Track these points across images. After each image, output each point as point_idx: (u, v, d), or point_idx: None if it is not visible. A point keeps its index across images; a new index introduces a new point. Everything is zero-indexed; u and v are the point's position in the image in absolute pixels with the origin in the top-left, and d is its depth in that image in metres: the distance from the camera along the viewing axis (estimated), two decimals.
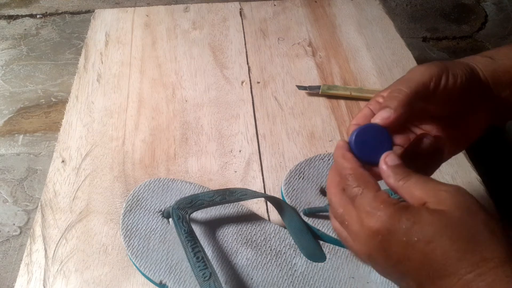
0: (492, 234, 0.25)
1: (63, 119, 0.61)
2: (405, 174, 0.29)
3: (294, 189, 0.48)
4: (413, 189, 0.28)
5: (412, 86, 0.32)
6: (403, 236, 0.26)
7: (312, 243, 0.44)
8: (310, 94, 0.65)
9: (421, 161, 0.34)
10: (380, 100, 0.35)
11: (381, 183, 0.30)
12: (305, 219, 0.46)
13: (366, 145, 0.31)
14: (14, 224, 0.86)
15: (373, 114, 0.34)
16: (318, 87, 0.64)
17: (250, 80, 0.67)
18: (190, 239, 0.40)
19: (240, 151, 0.57)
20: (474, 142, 0.37)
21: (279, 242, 0.45)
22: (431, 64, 0.34)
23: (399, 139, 0.36)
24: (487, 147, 0.95)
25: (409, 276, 0.27)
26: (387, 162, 0.30)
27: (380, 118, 0.32)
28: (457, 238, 0.25)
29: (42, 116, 1.06)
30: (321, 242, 0.45)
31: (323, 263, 0.43)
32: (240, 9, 0.80)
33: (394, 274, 0.28)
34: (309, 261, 0.44)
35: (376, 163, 0.31)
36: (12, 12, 1.38)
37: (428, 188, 0.28)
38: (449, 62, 0.35)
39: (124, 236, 0.43)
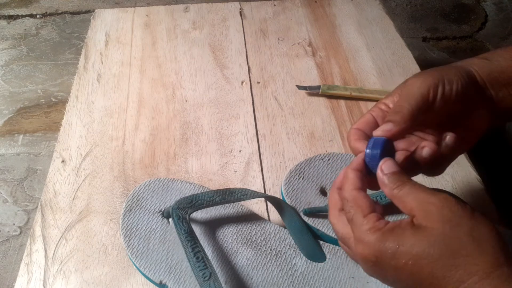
0: (477, 246, 0.25)
1: (63, 119, 0.61)
2: (399, 182, 0.30)
3: (294, 189, 0.48)
4: (405, 199, 0.29)
5: (412, 103, 0.33)
6: (390, 260, 0.27)
7: (312, 243, 0.44)
8: (310, 94, 0.65)
9: (422, 168, 0.35)
10: (383, 107, 0.36)
11: None
12: (305, 219, 0.46)
13: (376, 158, 0.32)
14: (14, 224, 0.86)
15: (375, 120, 0.35)
16: (318, 87, 0.64)
17: (250, 80, 0.67)
18: (190, 239, 0.40)
19: (240, 151, 0.57)
20: (471, 147, 0.38)
21: (279, 242, 0.45)
22: (426, 74, 0.35)
23: (402, 144, 0.37)
24: (487, 147, 0.95)
25: None
26: (383, 169, 0.31)
27: (382, 130, 0.33)
28: (439, 256, 0.25)
29: (42, 116, 1.06)
30: (321, 242, 0.45)
31: (323, 263, 0.43)
32: (240, 9, 0.80)
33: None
34: (309, 261, 0.44)
35: None
36: (12, 12, 1.38)
37: (419, 200, 0.28)
38: (445, 68, 0.36)
39: (124, 236, 0.43)
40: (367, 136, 0.34)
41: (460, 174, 0.54)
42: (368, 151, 0.32)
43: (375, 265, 0.28)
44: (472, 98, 0.35)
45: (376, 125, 0.35)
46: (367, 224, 0.29)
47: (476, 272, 0.24)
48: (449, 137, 0.35)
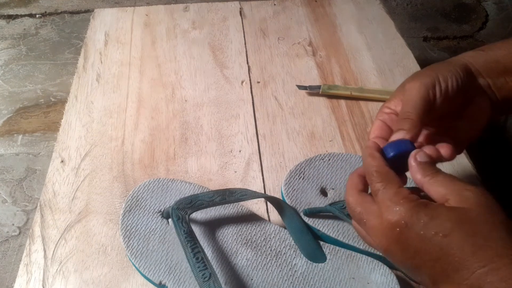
0: (509, 234, 0.26)
1: (62, 119, 0.61)
2: (432, 171, 0.31)
3: (294, 189, 0.48)
4: (438, 186, 0.30)
5: (418, 108, 0.34)
6: (420, 229, 0.27)
7: (312, 244, 0.44)
8: (310, 94, 0.64)
9: None
10: (387, 111, 0.37)
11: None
12: (305, 219, 0.46)
13: (397, 158, 0.33)
14: (13, 225, 0.86)
15: (386, 125, 0.37)
16: (319, 87, 0.63)
17: (250, 80, 0.67)
18: (190, 240, 0.39)
19: (240, 151, 0.57)
20: (478, 137, 0.38)
21: (279, 242, 0.45)
22: (422, 76, 0.35)
23: None
24: (487, 146, 0.94)
25: (424, 270, 0.28)
26: (416, 158, 0.32)
27: (396, 139, 0.34)
28: (473, 233, 0.26)
29: (41, 116, 1.06)
30: (321, 243, 0.45)
31: (323, 264, 0.43)
32: (240, 8, 0.80)
33: (411, 266, 0.29)
34: (309, 261, 0.43)
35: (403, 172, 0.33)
36: (11, 11, 1.37)
37: (453, 187, 0.29)
38: (438, 65, 0.36)
39: (123, 236, 0.43)
40: (386, 140, 0.35)
41: (460, 174, 0.54)
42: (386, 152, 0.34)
43: (401, 233, 0.28)
44: (469, 89, 0.36)
45: (388, 128, 0.36)
46: (400, 194, 0.29)
47: (507, 256, 0.25)
48: (444, 150, 0.35)
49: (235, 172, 0.54)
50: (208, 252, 0.43)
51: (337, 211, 0.45)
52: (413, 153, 0.32)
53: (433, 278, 0.27)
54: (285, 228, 0.46)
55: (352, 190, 0.33)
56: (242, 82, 0.66)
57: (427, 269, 0.27)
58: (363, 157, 0.34)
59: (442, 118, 0.37)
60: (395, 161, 0.33)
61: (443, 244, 0.26)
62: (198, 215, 0.45)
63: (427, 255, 0.27)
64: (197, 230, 0.44)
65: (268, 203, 0.50)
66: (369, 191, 0.33)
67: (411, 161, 0.32)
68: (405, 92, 0.35)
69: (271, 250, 0.44)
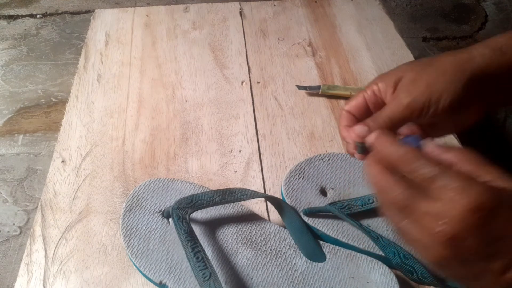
0: None
1: (63, 119, 0.61)
2: (450, 149, 0.29)
3: (294, 189, 0.48)
4: (470, 164, 0.27)
5: (394, 122, 0.34)
6: (509, 209, 0.25)
7: (312, 243, 0.44)
8: (310, 94, 0.65)
9: None
10: (375, 89, 0.37)
11: None
12: (305, 219, 0.46)
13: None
14: (14, 224, 0.86)
15: (367, 105, 0.37)
16: (318, 87, 0.64)
17: (250, 80, 0.67)
18: (190, 239, 0.40)
19: (240, 151, 0.57)
20: (473, 132, 0.38)
21: (279, 242, 0.45)
22: (416, 92, 0.34)
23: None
24: (486, 146, 0.95)
25: (500, 256, 0.26)
26: (426, 143, 0.30)
27: (361, 137, 0.34)
28: None
29: (42, 116, 1.06)
30: (321, 242, 0.45)
31: (323, 263, 0.43)
32: (240, 9, 0.80)
33: (482, 256, 0.26)
34: (309, 261, 0.44)
35: None
36: (12, 12, 1.37)
37: (483, 165, 0.27)
38: (440, 77, 0.34)
39: (124, 236, 0.43)
40: (357, 121, 0.35)
41: None
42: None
43: (485, 216, 0.25)
44: (467, 101, 0.34)
45: (367, 110, 0.36)
46: (464, 174, 0.26)
47: None
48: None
49: (235, 172, 0.54)
50: (208, 251, 0.43)
51: (337, 211, 0.45)
52: (421, 142, 0.30)
53: (509, 264, 0.25)
54: (285, 227, 0.46)
55: (383, 175, 0.29)
56: (242, 82, 0.66)
57: (505, 254, 0.25)
58: (381, 145, 0.30)
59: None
60: None
61: None
62: (199, 214, 0.45)
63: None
64: (197, 230, 0.44)
65: (268, 203, 0.50)
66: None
67: (427, 148, 0.29)
68: (398, 96, 0.34)
69: (271, 250, 0.44)
